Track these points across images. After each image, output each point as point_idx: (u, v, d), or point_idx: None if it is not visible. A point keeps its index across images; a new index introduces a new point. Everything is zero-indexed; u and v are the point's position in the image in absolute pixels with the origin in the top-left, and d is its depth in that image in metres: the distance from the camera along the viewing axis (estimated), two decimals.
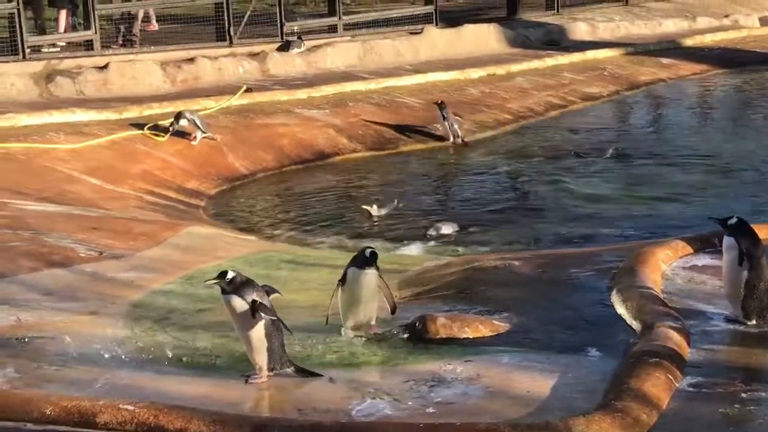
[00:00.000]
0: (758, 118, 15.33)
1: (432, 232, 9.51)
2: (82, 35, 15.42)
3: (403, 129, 13.93)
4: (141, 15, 17.08)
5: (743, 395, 4.53)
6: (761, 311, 5.43)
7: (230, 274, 4.95)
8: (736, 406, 4.42)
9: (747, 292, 5.40)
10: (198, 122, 12.36)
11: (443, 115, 13.52)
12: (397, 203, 10.42)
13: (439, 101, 13.74)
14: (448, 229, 9.57)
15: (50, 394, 4.62)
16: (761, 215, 9.14)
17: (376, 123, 13.95)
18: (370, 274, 5.61)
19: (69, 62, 14.66)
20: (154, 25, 18.47)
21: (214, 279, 4.99)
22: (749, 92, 17.39)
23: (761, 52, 19.78)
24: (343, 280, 5.62)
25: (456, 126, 13.57)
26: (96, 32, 15.22)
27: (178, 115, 12.32)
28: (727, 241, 5.48)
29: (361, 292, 5.58)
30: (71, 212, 9.26)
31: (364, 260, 5.62)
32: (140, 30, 17.01)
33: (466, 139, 13.64)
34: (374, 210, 10.21)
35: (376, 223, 10.13)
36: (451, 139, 13.54)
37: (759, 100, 16.59)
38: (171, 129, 12.25)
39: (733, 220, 5.49)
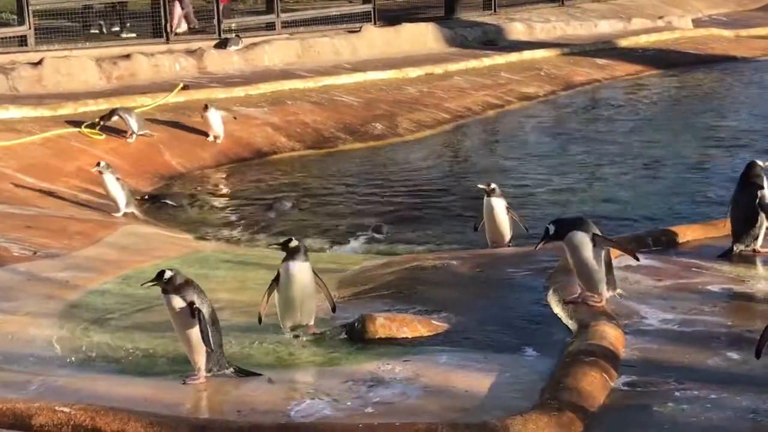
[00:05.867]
0: (690, 119, 15.55)
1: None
2: (15, 30, 15.18)
3: (341, 128, 13.92)
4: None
5: (677, 393, 4.60)
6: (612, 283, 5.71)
7: (168, 274, 4.91)
8: (670, 404, 4.50)
9: (607, 266, 5.61)
10: (134, 120, 12.23)
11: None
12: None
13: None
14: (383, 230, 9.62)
15: None
16: (693, 214, 9.33)
17: (314, 122, 13.93)
18: (304, 267, 5.53)
19: (1, 58, 14.43)
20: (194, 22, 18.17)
21: (151, 281, 4.94)
22: (682, 93, 17.67)
23: (694, 53, 20.12)
24: (277, 279, 5.55)
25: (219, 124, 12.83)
26: (30, 27, 15.01)
27: (112, 112, 12.20)
28: (575, 235, 5.59)
29: (296, 288, 5.51)
30: (4, 210, 9.11)
31: (293, 253, 5.52)
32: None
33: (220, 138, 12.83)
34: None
35: (312, 222, 10.11)
36: (211, 137, 12.79)
37: (690, 101, 16.85)
38: (101, 123, 12.08)
39: (552, 227, 5.63)
